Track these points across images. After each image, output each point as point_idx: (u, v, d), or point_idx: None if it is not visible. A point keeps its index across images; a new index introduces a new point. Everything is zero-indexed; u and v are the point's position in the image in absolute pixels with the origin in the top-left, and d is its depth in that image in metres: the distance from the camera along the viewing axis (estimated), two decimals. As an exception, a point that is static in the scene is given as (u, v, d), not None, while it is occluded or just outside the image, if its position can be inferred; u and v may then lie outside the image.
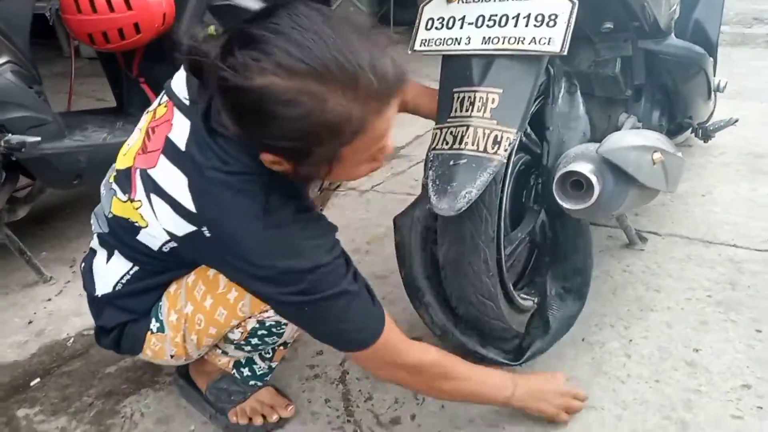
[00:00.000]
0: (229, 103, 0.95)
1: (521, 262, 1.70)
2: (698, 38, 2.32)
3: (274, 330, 1.28)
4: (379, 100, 0.95)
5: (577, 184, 1.32)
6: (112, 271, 1.26)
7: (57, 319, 1.87)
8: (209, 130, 1.05)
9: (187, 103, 1.11)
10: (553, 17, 1.25)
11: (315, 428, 1.44)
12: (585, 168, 1.31)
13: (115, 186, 1.20)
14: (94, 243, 1.31)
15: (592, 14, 1.61)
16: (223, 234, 1.06)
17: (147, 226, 1.13)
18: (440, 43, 1.35)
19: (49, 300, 1.97)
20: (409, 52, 1.39)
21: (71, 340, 1.78)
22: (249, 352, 1.35)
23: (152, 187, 1.10)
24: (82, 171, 2.07)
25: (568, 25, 1.23)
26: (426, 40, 1.37)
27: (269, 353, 1.41)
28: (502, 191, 1.35)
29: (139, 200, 1.13)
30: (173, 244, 1.13)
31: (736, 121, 2.49)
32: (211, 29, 2.54)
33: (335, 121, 0.93)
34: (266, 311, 1.22)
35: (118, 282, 1.25)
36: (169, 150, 1.09)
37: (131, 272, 1.24)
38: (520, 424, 1.38)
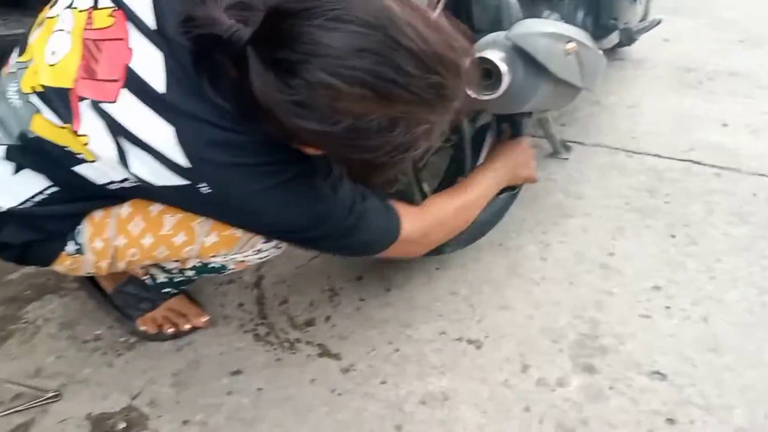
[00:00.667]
0: (305, 126, 0.83)
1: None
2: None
3: (215, 269, 1.21)
4: (458, 99, 0.89)
5: (488, 73, 1.27)
6: (21, 183, 1.08)
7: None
8: (201, 78, 0.91)
9: (153, 28, 0.95)
10: None
11: (227, 331, 1.40)
12: (495, 55, 1.25)
13: (38, 102, 1.00)
14: None
15: None
16: (226, 193, 0.97)
17: (95, 161, 0.99)
18: None
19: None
20: None
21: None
22: (175, 275, 1.28)
23: (119, 130, 0.95)
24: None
25: None
26: None
27: None
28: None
29: (86, 134, 0.97)
30: (135, 186, 1.01)
31: (659, 22, 2.46)
32: None
33: (417, 136, 0.87)
34: (216, 256, 1.15)
35: (29, 199, 1.08)
36: (136, 87, 0.93)
37: (48, 192, 1.08)
38: (432, 322, 1.39)
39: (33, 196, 1.07)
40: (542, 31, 1.33)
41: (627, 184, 1.85)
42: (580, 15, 1.90)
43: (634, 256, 1.56)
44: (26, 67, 1.04)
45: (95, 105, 0.94)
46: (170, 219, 1.10)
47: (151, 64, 0.93)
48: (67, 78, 0.97)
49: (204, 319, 1.41)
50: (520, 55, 1.28)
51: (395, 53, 0.79)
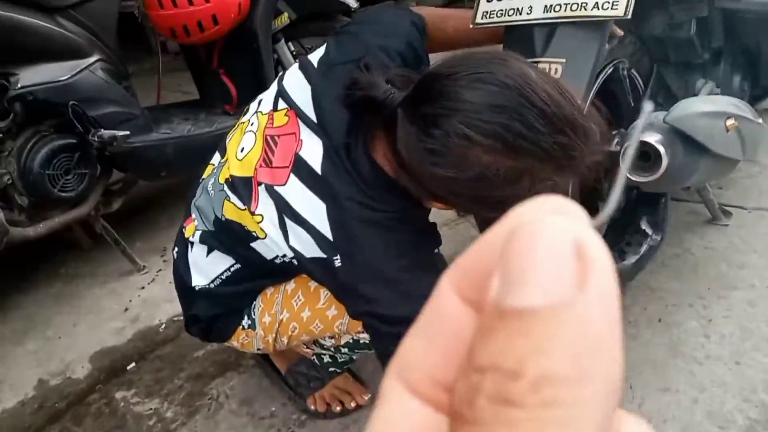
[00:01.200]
0: (438, 173, 0.92)
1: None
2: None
3: (366, 346, 1.31)
4: (582, 164, 0.95)
5: (645, 155, 1.29)
6: (212, 264, 1.26)
7: (150, 306, 2.00)
8: (349, 158, 1.06)
9: (315, 121, 1.11)
10: None
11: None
12: (652, 138, 1.27)
13: (228, 191, 1.19)
14: (193, 237, 1.28)
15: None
16: (355, 269, 1.07)
17: (265, 238, 1.14)
18: (502, 15, 1.33)
19: (143, 288, 2.09)
20: (471, 26, 1.38)
21: (163, 326, 1.89)
22: (341, 357, 1.39)
23: (285, 208, 1.11)
24: (170, 162, 2.18)
25: None
26: (487, 12, 1.35)
27: None
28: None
29: (261, 214, 1.13)
30: (292, 260, 1.14)
31: None
32: (285, 17, 2.60)
33: (537, 191, 0.90)
34: (363, 332, 1.24)
35: (217, 277, 1.26)
36: (302, 170, 1.09)
37: (232, 269, 1.25)
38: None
39: (221, 274, 1.26)
40: (700, 111, 1.33)
41: (795, 250, 1.77)
42: (737, 80, 1.86)
43: (808, 331, 1.49)
44: (223, 165, 1.24)
45: (269, 188, 1.12)
46: (325, 293, 1.23)
47: (313, 151, 1.09)
48: (250, 168, 1.16)
49: (367, 396, 1.50)
50: (679, 136, 1.29)
51: (527, 111, 0.87)
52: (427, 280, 1.03)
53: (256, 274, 1.25)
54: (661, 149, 1.26)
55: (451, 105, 0.89)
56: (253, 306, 1.31)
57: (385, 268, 1.06)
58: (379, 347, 1.16)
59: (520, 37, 1.31)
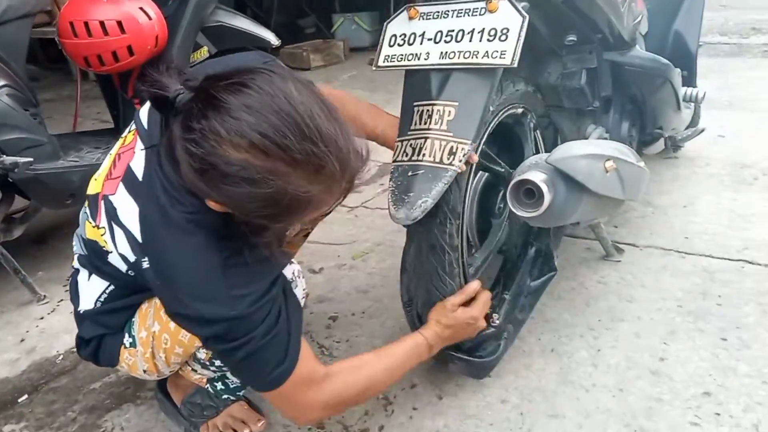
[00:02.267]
0: (194, 166, 0.97)
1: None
2: (678, 50, 2.37)
3: None
4: (338, 183, 0.99)
5: (530, 192, 1.36)
6: (92, 287, 1.31)
7: (48, 337, 1.94)
8: (159, 163, 1.10)
9: (146, 128, 1.18)
10: (504, 31, 1.29)
11: (287, 438, 1.48)
12: (536, 177, 1.35)
13: (87, 210, 1.27)
14: (75, 262, 1.35)
15: (555, 27, 1.66)
16: (159, 268, 1.11)
17: (111, 252, 1.19)
18: (402, 59, 1.40)
19: (42, 318, 2.03)
20: (373, 68, 1.44)
21: (60, 357, 1.84)
22: (214, 371, 1.39)
23: (113, 215, 1.16)
24: (76, 191, 2.14)
25: (518, 39, 1.27)
26: (389, 56, 1.42)
27: None
28: (464, 200, 1.40)
29: (103, 227, 1.19)
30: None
31: (703, 130, 2.53)
32: (204, 50, 2.62)
33: (294, 202, 0.97)
34: None
35: (97, 299, 1.30)
36: (128, 179, 1.15)
37: (108, 291, 1.29)
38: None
39: (99, 296, 1.30)
40: (580, 153, 1.42)
41: (680, 286, 1.87)
42: (626, 126, 1.99)
43: (685, 360, 1.57)
44: None
45: (105, 199, 1.19)
46: None
47: (140, 159, 1.15)
48: (100, 185, 1.23)
49: (260, 423, 1.50)
50: (561, 175, 1.37)
51: (276, 114, 0.93)
52: (226, 282, 1.03)
53: (129, 291, 1.28)
54: (544, 187, 1.34)
55: (214, 104, 0.94)
56: (132, 323, 1.32)
57: (183, 268, 1.08)
58: (207, 346, 1.20)
59: (418, 81, 1.38)
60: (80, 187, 2.12)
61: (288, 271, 1.28)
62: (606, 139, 1.83)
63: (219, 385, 1.45)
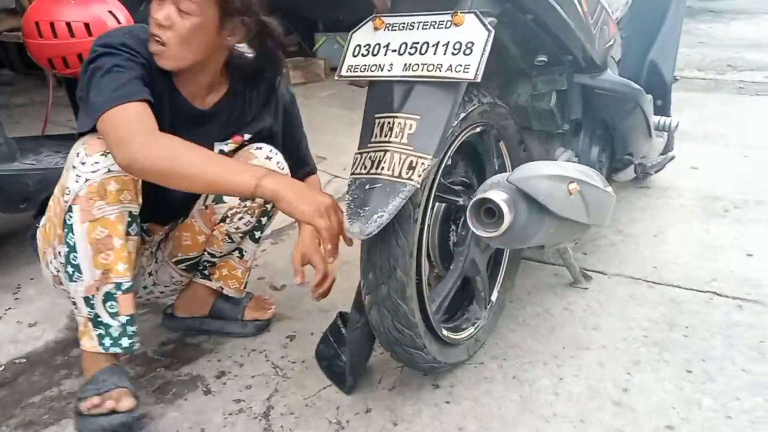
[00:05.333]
0: None
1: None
2: (652, 79, 2.36)
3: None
4: None
5: (490, 212, 1.31)
6: None
7: (-10, 346, 1.85)
8: None
9: None
10: (469, 45, 1.25)
11: (232, 461, 1.41)
12: (497, 196, 1.30)
13: None
14: None
15: (525, 47, 1.63)
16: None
17: None
18: (365, 69, 1.35)
19: (-14, 326, 1.94)
20: (336, 78, 1.39)
21: (1, 368, 1.75)
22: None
23: None
24: (31, 194, 2.06)
25: (483, 53, 1.23)
26: (352, 66, 1.38)
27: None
28: (423, 219, 1.35)
29: None
30: None
31: (673, 158, 2.52)
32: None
33: None
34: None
35: None
36: None
37: None
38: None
39: None
40: (543, 173, 1.38)
41: (646, 315, 1.83)
42: (595, 151, 1.96)
43: (649, 392, 1.52)
44: None
45: None
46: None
47: None
48: None
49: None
50: (523, 196, 1.33)
51: None
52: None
53: None
54: (504, 207, 1.29)
55: None
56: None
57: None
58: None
59: (381, 92, 1.34)
60: (35, 192, 2.04)
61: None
62: (575, 163, 1.80)
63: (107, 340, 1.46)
